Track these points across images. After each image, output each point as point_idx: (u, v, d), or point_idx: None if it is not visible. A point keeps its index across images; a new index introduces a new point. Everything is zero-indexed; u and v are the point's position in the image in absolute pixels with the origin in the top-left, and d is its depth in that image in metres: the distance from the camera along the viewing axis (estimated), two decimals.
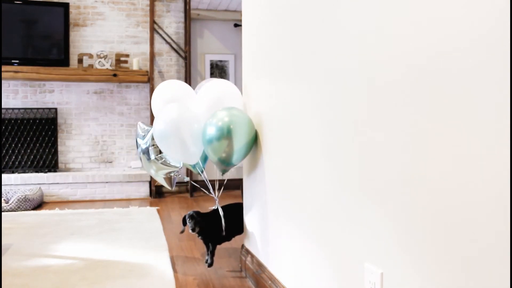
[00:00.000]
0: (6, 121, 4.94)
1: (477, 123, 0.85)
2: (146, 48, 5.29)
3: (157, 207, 4.44)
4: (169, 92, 2.56)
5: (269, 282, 2.01)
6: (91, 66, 5.04)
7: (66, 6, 4.96)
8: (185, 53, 5.31)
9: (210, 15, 5.52)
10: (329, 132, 1.45)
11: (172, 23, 5.38)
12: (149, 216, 3.95)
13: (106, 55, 5.07)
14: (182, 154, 2.37)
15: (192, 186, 5.16)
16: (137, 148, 2.72)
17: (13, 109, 4.96)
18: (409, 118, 1.04)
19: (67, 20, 4.97)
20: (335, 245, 1.42)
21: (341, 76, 1.37)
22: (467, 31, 0.87)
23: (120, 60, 5.08)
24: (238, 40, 5.52)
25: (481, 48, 0.83)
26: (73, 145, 5.16)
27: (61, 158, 5.12)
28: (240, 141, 2.15)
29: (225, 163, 2.22)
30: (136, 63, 5.08)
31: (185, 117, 2.32)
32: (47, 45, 4.96)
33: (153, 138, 2.53)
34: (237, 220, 2.59)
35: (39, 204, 4.55)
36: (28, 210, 4.30)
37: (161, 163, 2.58)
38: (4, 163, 4.91)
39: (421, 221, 1.01)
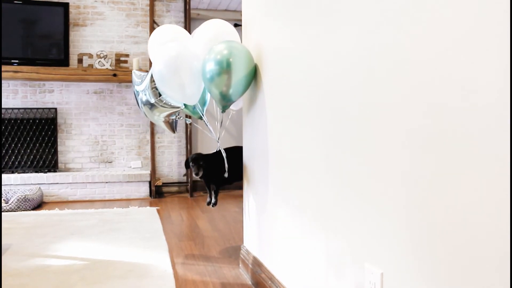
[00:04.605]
0: (6, 121, 4.93)
1: (475, 123, 0.84)
2: (146, 48, 5.28)
3: (157, 207, 4.44)
4: (166, 36, 2.51)
5: (269, 282, 2.01)
6: (91, 66, 5.03)
7: (65, 6, 4.95)
8: None
9: (210, 15, 5.51)
10: (327, 129, 1.44)
11: (172, 23, 5.37)
12: (149, 216, 3.95)
13: (106, 55, 5.06)
14: (182, 94, 2.33)
15: (192, 187, 5.15)
16: (136, 99, 2.60)
17: (12, 109, 4.95)
18: (411, 117, 1.04)
19: (67, 20, 4.97)
20: (335, 245, 1.42)
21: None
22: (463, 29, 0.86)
23: (120, 60, 5.07)
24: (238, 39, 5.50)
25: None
26: (72, 145, 5.15)
27: (61, 158, 5.11)
28: (239, 73, 2.13)
29: (226, 99, 2.21)
30: (136, 63, 5.07)
31: (184, 55, 2.29)
32: (46, 45, 4.95)
33: (152, 81, 2.44)
34: (239, 163, 2.53)
35: (38, 204, 4.55)
36: (28, 210, 4.29)
37: (162, 106, 2.51)
38: (4, 163, 4.90)
39: (422, 221, 1.00)
